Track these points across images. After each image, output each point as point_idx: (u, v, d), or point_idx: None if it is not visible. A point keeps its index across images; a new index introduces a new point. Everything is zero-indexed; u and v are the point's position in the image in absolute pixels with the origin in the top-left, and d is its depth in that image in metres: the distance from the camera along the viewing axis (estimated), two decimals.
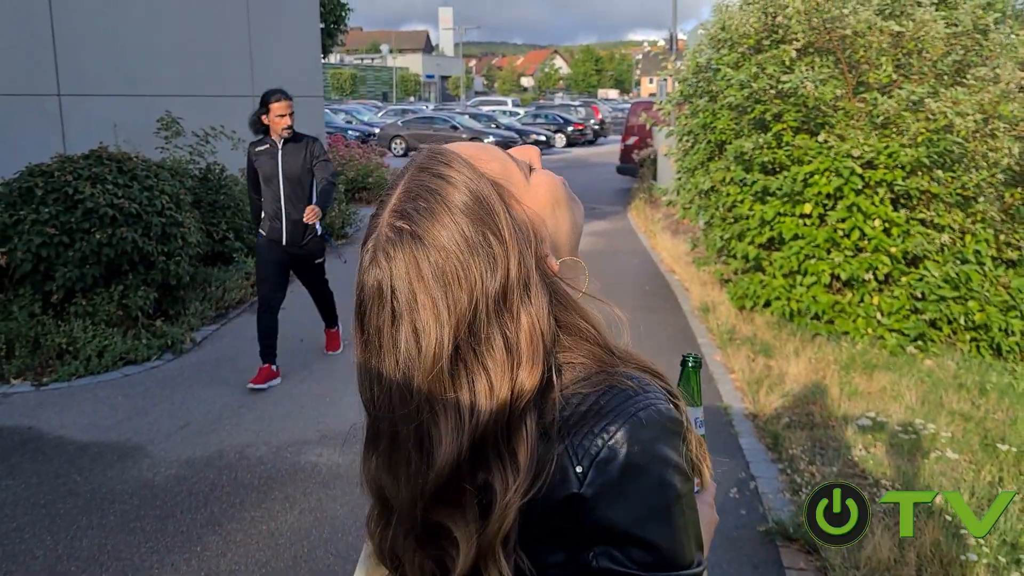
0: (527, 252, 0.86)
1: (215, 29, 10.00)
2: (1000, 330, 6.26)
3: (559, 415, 0.84)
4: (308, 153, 5.60)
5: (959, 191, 6.38)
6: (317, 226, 5.69)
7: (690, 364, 1.13)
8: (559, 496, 0.81)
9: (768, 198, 6.86)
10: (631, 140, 18.01)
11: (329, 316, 6.32)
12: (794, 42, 6.86)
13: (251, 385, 5.44)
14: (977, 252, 6.35)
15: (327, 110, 24.81)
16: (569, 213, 0.98)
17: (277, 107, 5.53)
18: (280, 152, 5.55)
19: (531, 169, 0.97)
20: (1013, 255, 6.54)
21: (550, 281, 0.89)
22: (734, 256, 7.32)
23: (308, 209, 5.43)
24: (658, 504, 0.82)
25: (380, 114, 36.35)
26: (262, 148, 5.61)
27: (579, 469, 0.81)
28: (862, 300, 6.51)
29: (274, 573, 3.37)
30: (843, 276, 6.40)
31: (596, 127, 34.61)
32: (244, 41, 10.41)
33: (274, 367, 5.64)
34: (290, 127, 5.55)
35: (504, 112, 37.40)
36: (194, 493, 4.04)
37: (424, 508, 0.84)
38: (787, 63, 6.86)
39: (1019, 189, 6.69)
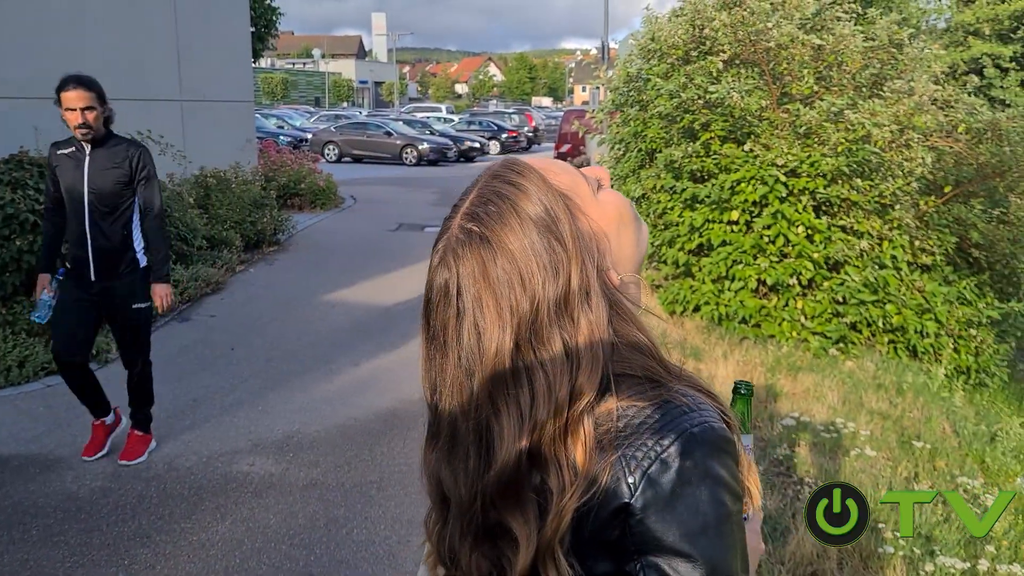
0: (589, 262, 0.89)
1: (141, 32, 9.78)
2: (916, 332, 6.53)
3: (614, 425, 0.85)
4: (128, 164, 4.21)
5: (877, 199, 6.64)
6: (138, 254, 4.27)
7: (742, 391, 1.15)
8: (611, 506, 0.82)
9: (697, 205, 7.03)
10: (564, 148, 18.22)
11: (138, 399, 4.54)
12: (721, 54, 7.06)
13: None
14: (894, 257, 6.62)
15: (258, 115, 24.42)
16: (633, 232, 1.01)
17: (68, 98, 4.11)
18: (87, 159, 4.16)
19: (599, 186, 1.00)
20: (927, 260, 6.83)
21: (610, 293, 0.91)
22: (665, 262, 7.48)
23: (156, 289, 4.29)
24: (707, 520, 0.82)
25: (312, 119, 35.94)
26: (66, 151, 4.21)
27: (631, 480, 0.82)
28: (787, 304, 6.72)
29: None
30: (769, 281, 6.59)
31: (530, 134, 34.85)
32: (171, 45, 10.20)
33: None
34: (87, 126, 4.10)
35: (438, 118, 37.36)
36: (121, 505, 3.95)
37: (483, 506, 0.86)
38: (714, 74, 7.05)
39: (932, 197, 7.00)
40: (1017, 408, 6.96)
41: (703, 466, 0.83)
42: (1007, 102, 20.39)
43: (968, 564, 3.40)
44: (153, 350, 6.28)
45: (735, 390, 1.15)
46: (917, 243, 6.82)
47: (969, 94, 7.48)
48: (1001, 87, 23.89)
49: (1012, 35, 25.16)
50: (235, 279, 8.71)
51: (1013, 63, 24.99)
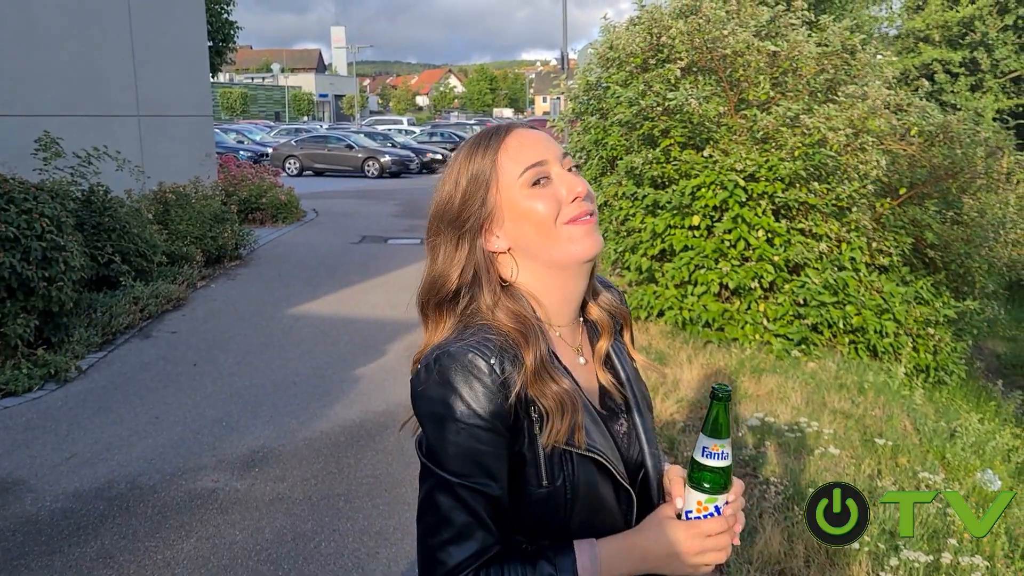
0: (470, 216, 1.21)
1: (96, 47, 9.65)
2: (875, 332, 6.64)
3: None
4: None
5: (834, 202, 6.76)
6: None
7: (719, 396, 1.15)
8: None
9: (658, 211, 7.09)
10: None
11: None
12: (678, 61, 7.14)
13: None
14: (852, 259, 6.74)
15: (217, 130, 24.18)
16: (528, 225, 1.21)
17: None
18: None
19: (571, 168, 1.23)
20: (884, 261, 6.96)
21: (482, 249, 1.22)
22: (628, 268, 7.53)
23: None
24: (434, 412, 1.10)
25: (272, 133, 35.68)
26: None
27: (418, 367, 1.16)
28: (749, 307, 6.80)
29: None
30: (731, 285, 6.66)
31: None
32: (127, 59, 10.08)
33: None
34: None
35: (400, 131, 37.29)
36: (83, 526, 3.87)
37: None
38: (672, 81, 7.13)
39: (888, 199, 7.13)
40: (975, 404, 7.10)
41: (446, 375, 1.10)
42: (957, 106, 20.87)
43: (931, 558, 3.46)
44: (113, 368, 6.22)
45: (712, 394, 1.16)
46: (874, 245, 6.94)
47: (921, 98, 7.65)
48: (952, 92, 24.44)
49: (961, 41, 25.77)
50: (196, 295, 8.60)
51: (962, 68, 25.58)
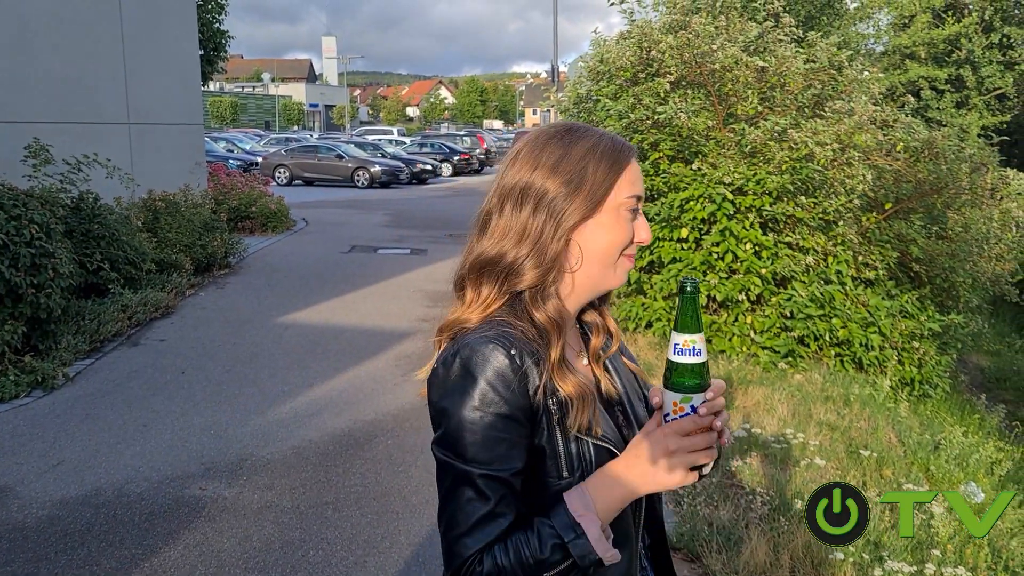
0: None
1: (88, 55, 9.66)
2: (861, 345, 6.70)
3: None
4: None
5: (821, 216, 6.83)
6: None
7: (687, 289, 1.13)
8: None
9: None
10: None
11: None
12: (668, 75, 7.21)
13: None
14: (839, 272, 6.80)
15: (207, 139, 24.16)
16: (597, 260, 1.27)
17: None
18: None
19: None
20: (870, 275, 7.02)
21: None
22: (627, 277, 7.56)
23: None
24: (454, 403, 1.14)
25: (263, 143, 35.64)
26: None
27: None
28: (736, 319, 6.85)
29: None
30: (719, 297, 6.71)
31: (482, 156, 34.99)
32: (119, 67, 10.08)
33: None
34: None
35: (390, 141, 37.33)
36: (69, 533, 3.86)
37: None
38: (662, 95, 7.19)
39: (873, 214, 7.21)
40: (959, 418, 7.17)
41: (467, 366, 1.15)
42: (943, 122, 21.08)
43: (915, 568, 3.49)
44: (101, 375, 6.20)
45: (680, 288, 1.14)
46: (860, 258, 7.01)
47: (907, 114, 7.75)
48: (938, 108, 24.68)
49: (947, 58, 26.05)
50: (185, 303, 8.59)
51: (948, 85, 25.85)
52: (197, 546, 3.77)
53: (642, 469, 1.14)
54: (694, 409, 1.12)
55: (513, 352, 1.14)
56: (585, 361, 1.32)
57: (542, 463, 1.17)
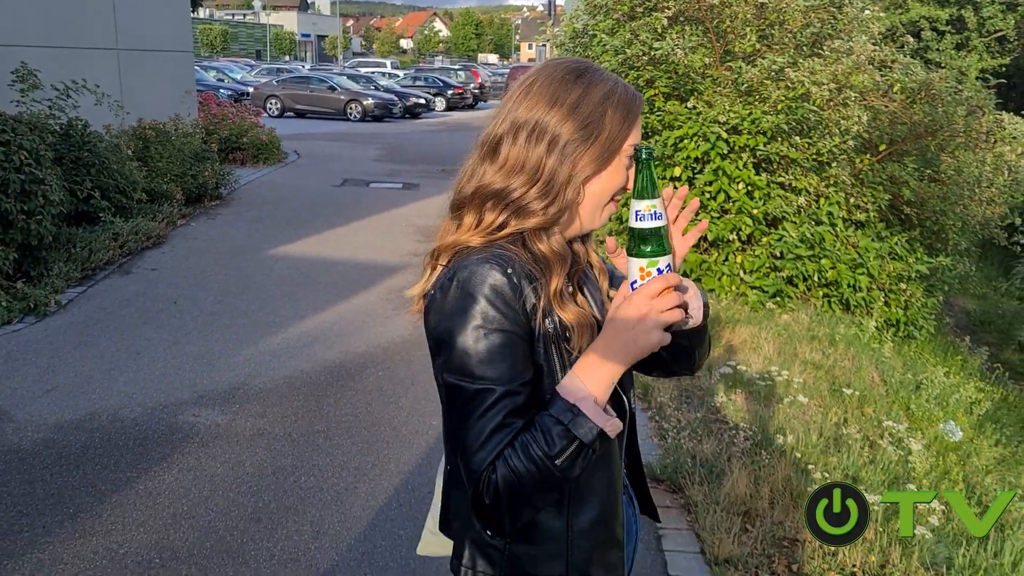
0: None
1: None
2: (849, 286, 6.76)
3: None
4: None
5: (815, 157, 6.82)
6: None
7: (642, 155, 1.17)
8: None
9: None
10: None
11: None
12: (666, 10, 7.10)
13: None
14: (830, 214, 6.82)
15: (197, 67, 23.72)
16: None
17: None
18: None
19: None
20: (861, 217, 7.05)
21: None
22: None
23: None
24: (456, 323, 1.17)
25: (253, 72, 35.04)
26: None
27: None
28: (727, 259, 6.88)
29: (153, 531, 3.35)
30: (709, 237, 6.74)
31: (476, 91, 34.51)
32: None
33: None
34: None
35: (383, 74, 36.75)
36: (64, 456, 3.93)
37: None
38: (659, 31, 7.10)
39: (867, 155, 7.20)
40: (942, 359, 7.28)
41: (466, 287, 1.18)
42: (942, 64, 20.88)
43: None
44: (93, 303, 6.23)
45: (634, 155, 1.19)
46: (852, 200, 7.03)
47: (906, 55, 7.67)
48: (938, 50, 24.40)
49: None
50: (176, 233, 8.57)
51: (949, 26, 25.51)
52: (191, 470, 3.85)
53: (622, 340, 1.16)
54: (660, 272, 1.17)
55: (510, 271, 1.17)
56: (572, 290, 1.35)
57: (540, 381, 1.21)
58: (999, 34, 25.38)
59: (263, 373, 5.04)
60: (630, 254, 1.18)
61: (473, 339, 1.15)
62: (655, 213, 1.16)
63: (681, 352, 1.37)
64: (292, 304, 6.42)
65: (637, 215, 1.16)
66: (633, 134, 1.26)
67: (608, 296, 1.39)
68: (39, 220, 6.08)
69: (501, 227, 1.24)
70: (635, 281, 1.18)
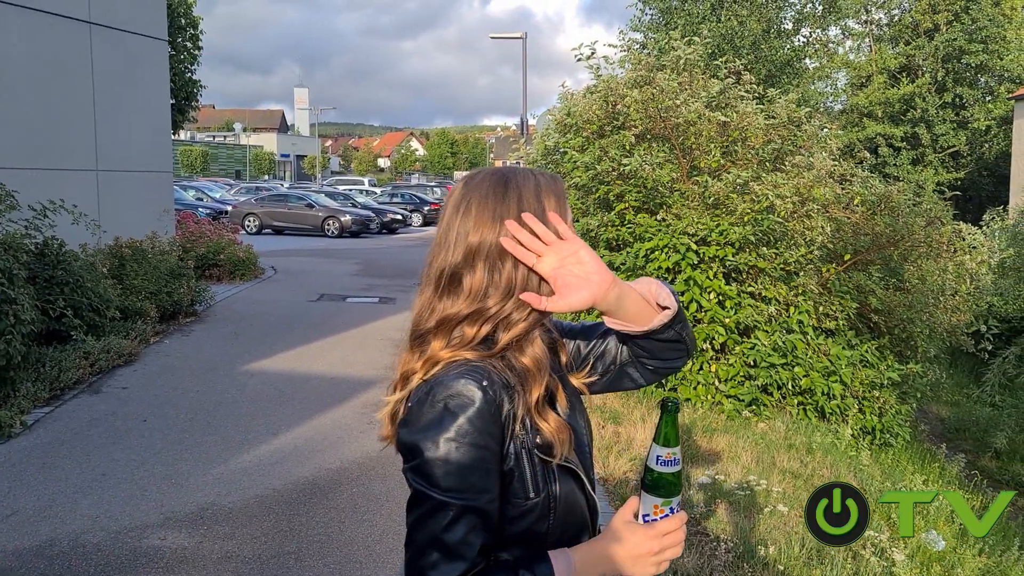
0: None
1: (57, 101, 9.66)
2: (823, 394, 6.80)
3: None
4: None
5: (782, 266, 6.97)
6: None
7: (668, 407, 1.25)
8: None
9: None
10: None
11: None
12: (633, 128, 7.38)
13: None
14: (800, 322, 6.92)
15: (176, 187, 24.08)
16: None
17: None
18: None
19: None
20: (831, 325, 7.16)
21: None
22: None
23: None
24: (428, 435, 1.17)
25: (232, 191, 35.59)
26: None
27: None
28: (701, 368, 6.92)
29: None
30: None
31: None
32: (88, 114, 10.09)
33: None
34: None
35: (361, 191, 37.47)
36: None
37: None
38: (627, 147, 7.35)
39: (833, 265, 7.37)
40: (920, 466, 7.26)
41: (437, 397, 1.19)
42: (900, 178, 21.68)
43: None
44: (60, 423, 6.10)
45: (662, 406, 1.25)
46: (821, 308, 7.15)
47: (865, 170, 7.98)
48: (895, 165, 25.38)
49: (902, 117, 26.90)
50: (149, 350, 8.49)
51: (904, 143, 26.64)
52: None
53: (629, 557, 1.23)
54: (672, 511, 1.26)
55: (485, 383, 1.18)
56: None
57: (510, 486, 1.22)
58: (952, 150, 26.50)
59: (233, 492, 4.92)
60: (647, 490, 1.26)
61: (444, 451, 1.16)
62: (675, 460, 1.25)
63: (671, 343, 1.40)
64: (265, 420, 6.32)
65: (658, 460, 1.25)
66: (568, 210, 1.32)
67: (569, 365, 1.47)
68: (8, 340, 6.03)
69: (486, 339, 1.25)
70: (647, 515, 1.26)
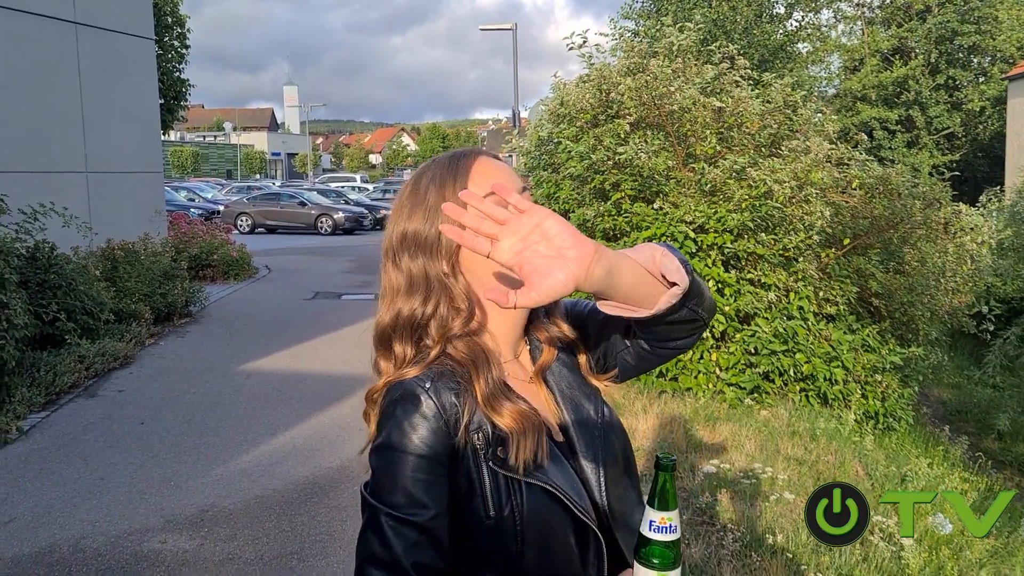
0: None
1: (45, 104, 9.57)
2: (825, 380, 6.74)
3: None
4: None
5: (781, 252, 6.91)
6: None
7: (663, 464, 1.10)
8: None
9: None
10: None
11: None
12: (627, 117, 7.31)
13: None
14: (800, 308, 6.87)
15: (168, 188, 23.95)
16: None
17: None
18: None
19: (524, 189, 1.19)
20: (831, 310, 7.10)
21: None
22: None
23: None
24: (377, 444, 1.12)
25: (224, 191, 35.45)
26: None
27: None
28: (702, 357, 6.86)
29: None
30: None
31: None
32: (76, 116, 10.00)
33: None
34: None
35: (353, 187, 37.34)
36: None
37: None
38: (622, 136, 7.28)
39: (832, 250, 7.31)
40: (924, 450, 7.22)
41: (390, 409, 1.13)
42: (895, 162, 21.68)
43: None
44: (57, 428, 6.03)
45: (656, 464, 1.10)
46: (821, 294, 7.09)
47: (861, 153, 7.91)
48: (890, 148, 25.36)
49: (896, 100, 26.87)
50: (144, 352, 8.42)
51: (899, 126, 26.61)
52: None
53: None
54: None
55: (428, 386, 1.10)
56: (529, 380, 1.25)
57: (470, 500, 1.11)
58: (947, 131, 26.48)
59: (233, 494, 4.86)
60: (639, 562, 1.10)
61: (386, 460, 1.09)
62: (671, 526, 1.09)
63: (684, 324, 1.19)
64: (263, 420, 6.26)
65: (651, 525, 1.09)
66: (472, 185, 1.18)
67: (589, 367, 1.30)
68: (2, 345, 5.96)
69: (415, 353, 1.18)
70: None
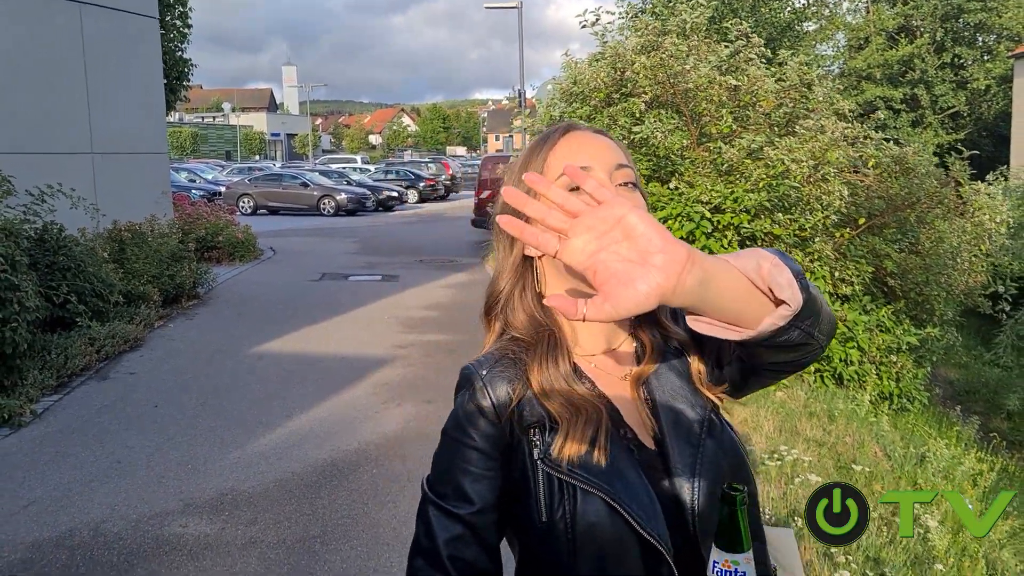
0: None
1: (50, 85, 9.47)
2: (841, 361, 6.71)
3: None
4: None
5: (797, 232, 6.85)
6: None
7: (732, 495, 0.87)
8: None
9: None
10: (485, 194, 18.29)
11: None
12: (642, 95, 7.22)
13: None
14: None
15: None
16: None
17: None
18: None
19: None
20: (847, 290, 7.06)
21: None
22: None
23: None
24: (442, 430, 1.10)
25: (225, 172, 35.29)
26: None
27: None
28: None
29: None
30: None
31: (447, 182, 34.96)
32: (81, 96, 9.90)
33: None
34: None
35: (355, 168, 37.18)
36: None
37: None
38: (637, 115, 7.20)
39: (848, 229, 7.26)
40: (938, 430, 7.21)
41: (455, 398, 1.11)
42: (900, 141, 21.56)
43: None
44: (70, 411, 6.00)
45: (721, 495, 0.89)
46: (837, 274, 7.04)
47: (875, 130, 7.84)
48: (895, 127, 25.21)
49: (901, 78, 26.70)
50: (154, 335, 8.38)
51: (904, 105, 26.46)
52: None
53: None
54: None
55: (485, 373, 1.06)
56: (625, 378, 1.12)
57: (526, 500, 1.02)
58: (952, 111, 26.34)
59: (252, 477, 4.83)
60: None
61: (440, 446, 1.09)
62: (736, 571, 0.87)
63: (794, 348, 0.98)
64: (278, 403, 6.23)
65: (714, 568, 0.88)
66: (553, 161, 1.10)
67: (701, 376, 1.12)
68: (14, 328, 5.91)
69: (500, 334, 1.16)
70: None
